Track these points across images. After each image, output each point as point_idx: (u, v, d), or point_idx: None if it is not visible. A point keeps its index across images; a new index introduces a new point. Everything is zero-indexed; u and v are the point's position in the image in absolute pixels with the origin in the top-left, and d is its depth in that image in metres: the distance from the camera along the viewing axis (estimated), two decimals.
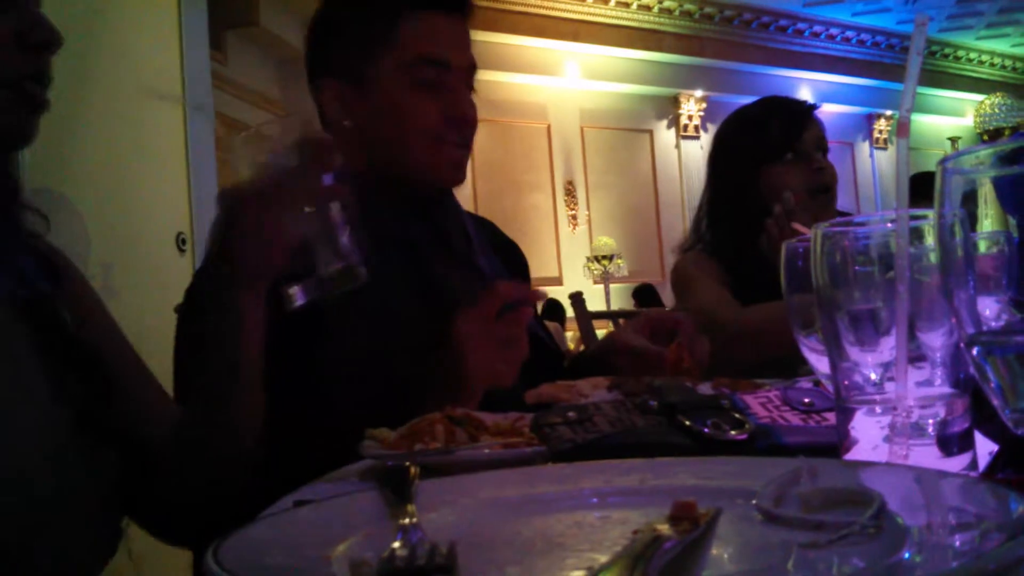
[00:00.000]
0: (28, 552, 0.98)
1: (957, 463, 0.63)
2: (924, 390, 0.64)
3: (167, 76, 3.34)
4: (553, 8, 9.24)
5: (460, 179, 1.56)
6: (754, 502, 0.57)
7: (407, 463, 0.61)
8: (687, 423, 0.84)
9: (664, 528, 0.52)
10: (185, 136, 3.40)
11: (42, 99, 1.05)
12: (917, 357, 0.65)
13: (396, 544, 0.51)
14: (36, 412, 1.02)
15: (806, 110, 2.29)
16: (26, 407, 1.02)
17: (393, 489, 0.58)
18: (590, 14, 9.53)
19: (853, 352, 0.68)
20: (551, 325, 5.72)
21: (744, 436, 0.83)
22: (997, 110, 12.16)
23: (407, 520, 0.55)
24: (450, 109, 1.49)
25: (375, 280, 1.38)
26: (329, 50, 1.57)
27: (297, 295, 1.03)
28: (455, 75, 1.50)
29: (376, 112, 1.51)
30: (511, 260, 1.75)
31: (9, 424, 0.99)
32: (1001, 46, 12.37)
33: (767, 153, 2.23)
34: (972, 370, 0.54)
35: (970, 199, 0.53)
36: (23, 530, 0.97)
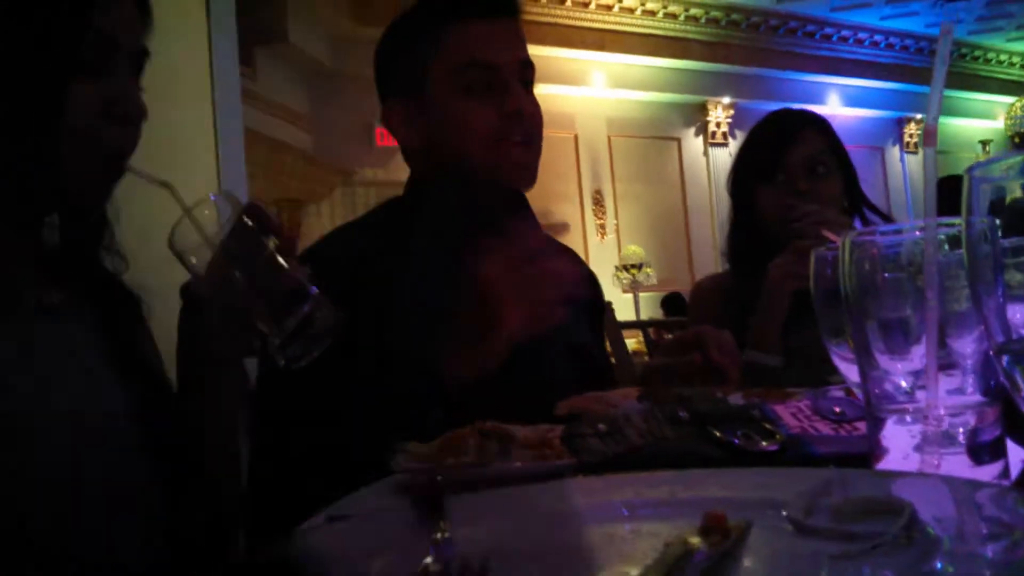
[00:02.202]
0: (77, 560, 1.00)
1: (988, 472, 0.62)
2: (955, 398, 0.64)
3: (197, 92, 3.38)
4: (580, 19, 9.26)
5: (529, 180, 1.56)
6: (785, 513, 0.57)
7: (439, 477, 0.62)
8: (717, 434, 0.84)
9: (695, 540, 0.52)
10: (216, 154, 3.43)
11: (123, 167, 1.08)
12: (947, 365, 0.64)
13: (429, 559, 0.51)
14: (107, 423, 1.06)
15: (795, 126, 2.12)
16: (97, 416, 1.06)
17: (426, 504, 0.59)
18: (617, 23, 9.53)
19: (883, 360, 0.68)
20: None
21: (775, 447, 0.83)
22: None
23: (440, 535, 0.55)
24: (505, 106, 1.49)
25: (444, 288, 1.40)
26: (387, 72, 1.60)
27: (282, 361, 1.04)
28: (506, 74, 1.50)
29: (437, 125, 1.52)
30: (585, 288, 1.75)
31: (80, 429, 1.03)
32: None
33: (758, 173, 2.11)
34: (1002, 378, 0.54)
35: (998, 206, 0.53)
36: (75, 535, 1.00)
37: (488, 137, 1.49)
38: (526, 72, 1.55)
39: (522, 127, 1.51)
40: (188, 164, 3.27)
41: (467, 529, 0.60)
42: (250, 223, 1.04)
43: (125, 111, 1.05)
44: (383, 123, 1.60)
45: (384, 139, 7.59)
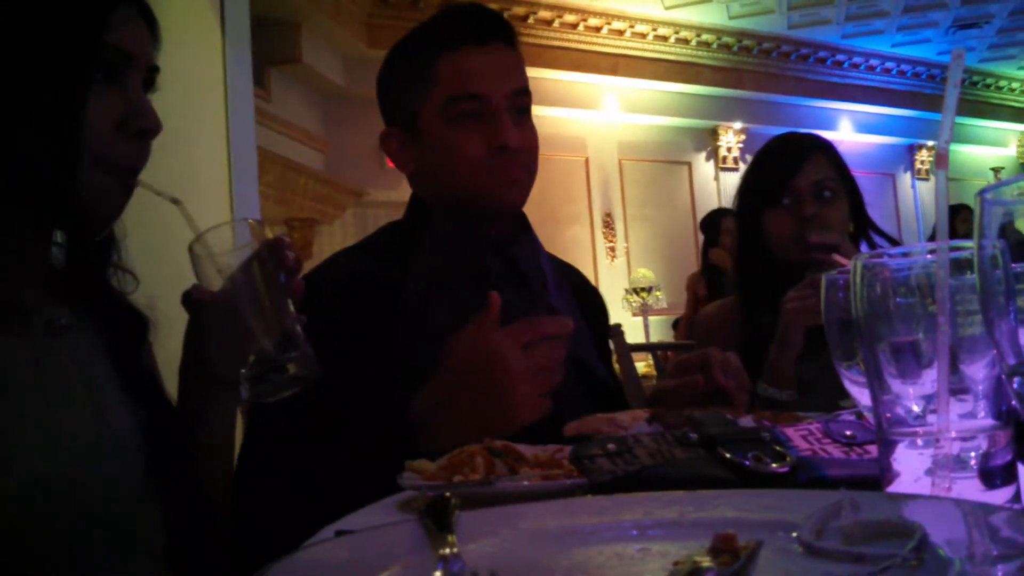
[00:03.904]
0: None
1: (1000, 496, 0.62)
2: (966, 423, 0.64)
3: (211, 111, 3.40)
4: (592, 43, 9.30)
5: (519, 200, 1.57)
6: (795, 535, 0.57)
7: (447, 494, 0.62)
8: (727, 456, 0.84)
9: (704, 560, 0.52)
10: (229, 173, 3.45)
11: (135, 183, 1.09)
12: (959, 389, 0.64)
13: (437, 574, 0.51)
14: (115, 441, 1.07)
15: (801, 151, 2.10)
16: (106, 434, 1.07)
17: (434, 520, 0.59)
18: (628, 48, 9.57)
19: (895, 384, 0.68)
20: None
21: (785, 469, 0.82)
22: None
23: (448, 551, 0.55)
24: (492, 139, 1.50)
25: (445, 311, 1.39)
26: (386, 99, 1.62)
27: (247, 393, 1.05)
28: (496, 105, 1.51)
29: (428, 153, 1.54)
30: (589, 306, 1.75)
31: (85, 448, 1.04)
32: None
33: (764, 197, 2.09)
34: (1015, 402, 0.54)
35: (1010, 230, 0.53)
36: (78, 552, 1.00)
37: (476, 166, 1.50)
38: (520, 100, 1.55)
39: (511, 160, 1.51)
40: (201, 183, 3.29)
41: (475, 545, 0.60)
42: (269, 254, 1.05)
43: (139, 126, 1.06)
44: (381, 147, 1.61)
45: None
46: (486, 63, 1.53)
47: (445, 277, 1.46)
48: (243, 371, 1.03)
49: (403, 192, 1.66)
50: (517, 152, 1.52)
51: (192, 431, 1.15)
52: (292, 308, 1.06)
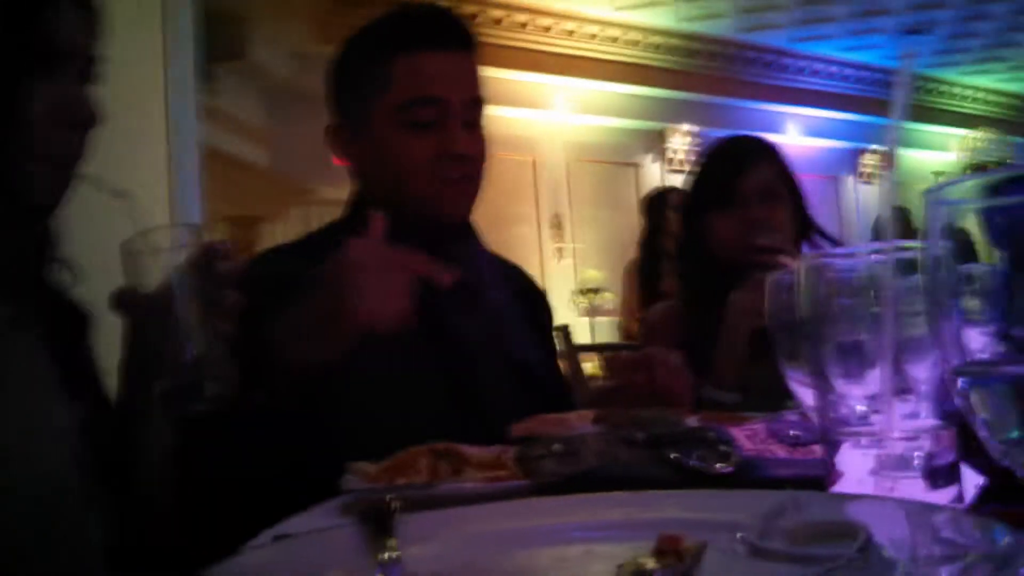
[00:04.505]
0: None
1: (943, 496, 0.62)
2: (910, 423, 0.64)
3: (152, 106, 3.35)
4: (541, 43, 9.31)
5: (463, 212, 1.55)
6: (740, 535, 0.57)
7: (389, 497, 0.60)
8: (673, 456, 0.84)
9: (649, 562, 0.51)
10: (170, 170, 3.40)
11: (75, 174, 1.06)
12: (903, 389, 0.64)
13: None
14: (55, 439, 1.04)
15: (747, 154, 2.10)
16: (46, 432, 1.04)
17: (374, 524, 0.57)
18: (578, 48, 9.59)
19: (839, 384, 0.68)
20: None
21: (730, 469, 0.82)
22: (982, 144, 12.26)
23: (387, 555, 0.54)
24: (443, 147, 1.47)
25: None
26: (335, 93, 1.59)
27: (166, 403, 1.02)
28: (451, 110, 1.48)
29: (374, 153, 1.52)
30: (535, 307, 1.74)
31: (31, 449, 1.01)
32: (987, 82, 12.51)
33: (710, 199, 2.09)
34: (958, 402, 0.54)
35: (956, 230, 0.53)
36: (18, 550, 0.98)
37: (423, 172, 1.47)
38: (472, 110, 1.53)
39: (459, 167, 1.49)
40: (141, 180, 3.23)
41: (416, 549, 0.59)
42: (205, 261, 1.01)
43: (75, 116, 1.03)
44: (326, 140, 1.58)
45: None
46: (444, 68, 1.50)
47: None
48: (159, 380, 1.00)
49: (348, 190, 1.64)
50: (466, 161, 1.50)
51: (132, 431, 1.13)
52: (224, 322, 1.02)
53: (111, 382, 1.18)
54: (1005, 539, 0.44)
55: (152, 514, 1.14)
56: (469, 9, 8.41)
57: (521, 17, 9.02)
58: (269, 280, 1.39)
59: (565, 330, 4.35)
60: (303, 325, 1.18)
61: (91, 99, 1.07)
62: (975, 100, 12.83)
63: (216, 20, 6.07)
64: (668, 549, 0.52)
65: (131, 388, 1.12)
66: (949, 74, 11.96)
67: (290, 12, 7.24)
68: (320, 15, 7.62)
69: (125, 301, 1.04)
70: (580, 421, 1.16)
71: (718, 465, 0.82)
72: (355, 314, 1.14)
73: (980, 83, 12.53)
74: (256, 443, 1.19)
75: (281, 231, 7.42)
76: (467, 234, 1.60)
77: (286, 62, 7.57)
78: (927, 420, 0.64)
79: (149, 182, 3.26)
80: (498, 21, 8.82)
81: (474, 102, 1.53)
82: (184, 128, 3.55)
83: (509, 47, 8.91)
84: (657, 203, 5.43)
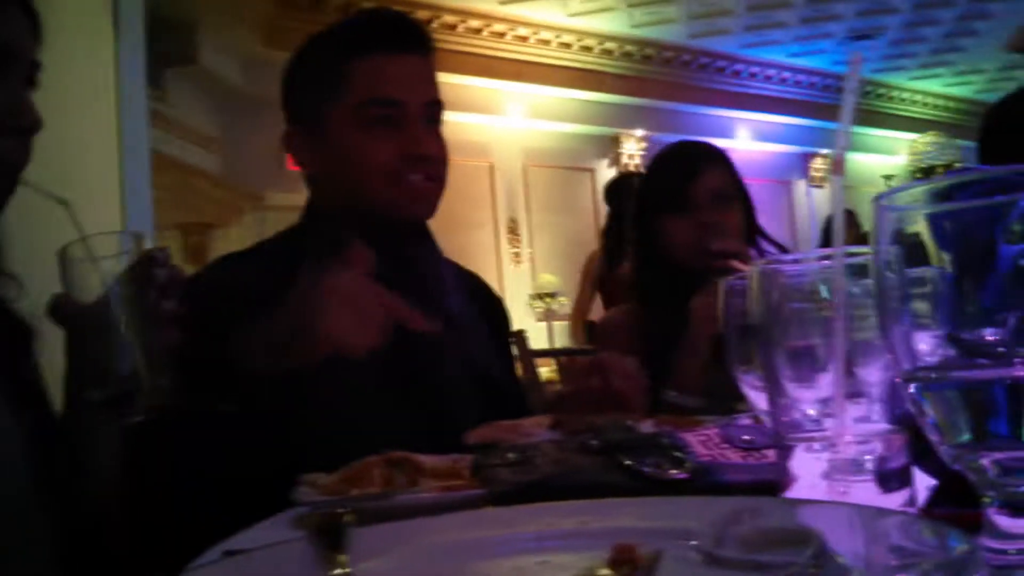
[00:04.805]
0: None
1: (896, 499, 0.62)
2: (862, 426, 0.64)
3: (102, 112, 3.29)
4: (496, 48, 9.32)
5: (427, 212, 1.55)
6: (694, 543, 0.56)
7: (341, 509, 0.59)
8: (628, 463, 0.84)
9: (604, 572, 0.51)
10: (121, 176, 3.34)
11: (15, 181, 1.03)
12: (854, 393, 0.65)
13: None
14: (6, 457, 1.03)
15: (698, 159, 2.13)
16: None
17: (325, 538, 0.56)
18: (532, 55, 9.62)
19: (791, 389, 0.68)
20: None
21: (685, 475, 0.82)
22: (930, 148, 12.45)
23: (339, 571, 0.53)
24: (406, 147, 1.47)
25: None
26: (292, 98, 1.58)
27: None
28: (411, 112, 1.48)
29: (335, 156, 1.50)
30: (491, 313, 1.74)
31: None
32: (934, 86, 12.73)
33: (662, 204, 2.11)
34: (909, 406, 0.54)
35: (905, 235, 0.53)
36: None
37: (385, 173, 1.47)
38: (433, 111, 1.53)
39: (424, 168, 1.49)
40: (91, 186, 3.17)
41: (370, 563, 0.58)
42: (143, 269, 0.99)
43: (19, 122, 1.01)
44: (283, 146, 1.57)
45: (294, 164, 7.49)
46: (403, 70, 1.50)
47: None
48: (94, 391, 0.97)
49: (302, 196, 1.62)
50: (429, 162, 1.50)
51: (77, 442, 1.10)
52: (163, 331, 1.00)
53: (57, 393, 1.15)
54: (959, 547, 0.44)
55: (102, 525, 1.12)
56: (423, 15, 8.39)
57: (475, 23, 9.02)
58: (222, 287, 1.37)
59: (520, 335, 4.34)
60: (271, 336, 1.17)
61: (34, 104, 1.04)
62: (923, 105, 13.05)
63: (166, 25, 6.00)
64: (623, 559, 0.51)
65: (72, 399, 1.10)
66: (897, 79, 12.16)
67: (240, 17, 7.17)
68: (270, 20, 7.56)
69: (61, 309, 1.01)
70: (536, 427, 1.15)
71: (672, 471, 0.82)
72: (323, 339, 1.14)
73: (927, 88, 12.75)
74: (203, 450, 1.17)
75: (235, 237, 7.35)
76: (425, 238, 1.60)
77: (237, 68, 7.50)
78: (879, 424, 0.64)
79: (99, 189, 3.21)
80: (452, 27, 8.82)
81: (433, 104, 1.53)
82: (134, 134, 3.50)
83: (463, 53, 8.91)
84: (620, 189, 5.37)
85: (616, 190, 5.44)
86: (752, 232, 2.16)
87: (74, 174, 3.18)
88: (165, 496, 1.18)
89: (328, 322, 1.14)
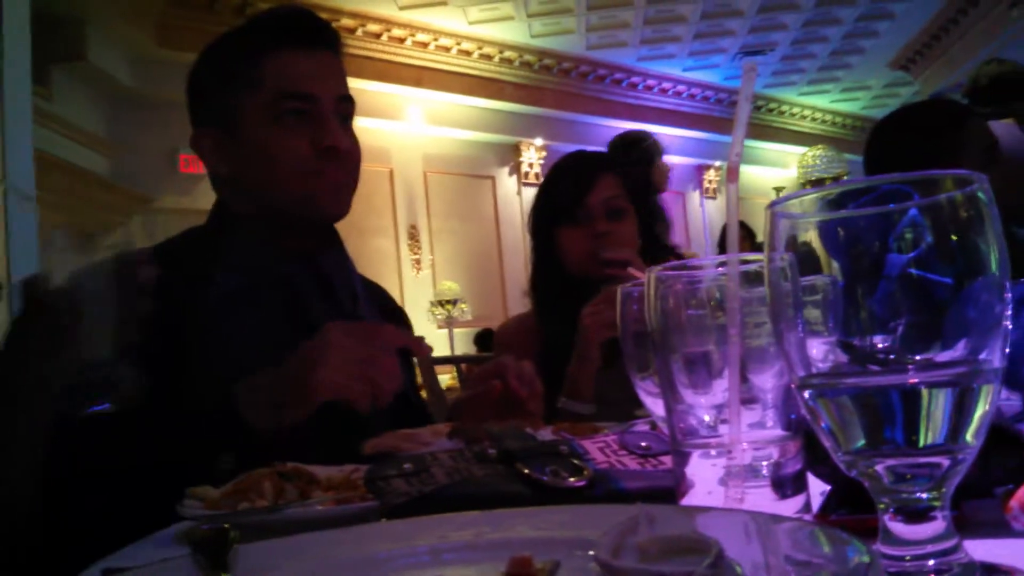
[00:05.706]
0: None
1: (791, 505, 0.63)
2: (757, 433, 0.64)
3: None
4: (396, 54, 9.27)
5: (342, 209, 1.54)
6: (592, 553, 0.55)
7: (225, 524, 0.57)
8: (525, 471, 0.83)
9: None
10: (2, 177, 3.21)
11: None
12: (749, 399, 0.65)
13: None
14: None
15: (593, 169, 2.15)
16: None
17: (207, 555, 0.53)
18: (433, 61, 9.60)
19: (687, 395, 0.68)
20: None
21: (583, 483, 0.82)
22: (818, 161, 12.88)
23: None
24: (320, 140, 1.46)
25: (248, 324, 1.34)
26: (200, 99, 1.55)
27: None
28: (324, 107, 1.48)
29: (248, 154, 1.48)
30: (394, 322, 1.73)
31: None
32: (822, 101, 13.19)
33: (557, 214, 2.12)
34: (804, 412, 0.54)
35: (797, 243, 0.54)
36: None
37: (300, 169, 1.46)
38: (345, 107, 1.53)
39: (338, 163, 1.49)
40: None
41: None
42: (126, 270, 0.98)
43: None
44: (192, 148, 1.54)
45: (188, 165, 7.31)
46: (314, 65, 1.50)
47: (249, 289, 1.40)
48: (59, 379, 0.96)
49: (196, 199, 1.59)
50: (344, 156, 1.49)
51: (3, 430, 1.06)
52: (135, 328, 0.99)
53: None
54: (856, 556, 0.44)
55: (14, 517, 1.07)
56: (322, 17, 8.29)
57: (375, 27, 8.96)
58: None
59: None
60: (271, 393, 1.19)
61: None
62: (812, 119, 13.50)
63: (54, 20, 5.79)
64: (519, 572, 0.50)
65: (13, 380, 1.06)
66: (787, 94, 12.56)
67: (131, 14, 6.96)
68: (163, 19, 7.36)
69: (38, 290, 0.99)
70: (434, 436, 1.14)
71: (571, 479, 0.82)
72: (328, 389, 1.17)
73: (816, 103, 13.20)
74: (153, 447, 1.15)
75: (122, 240, 7.13)
76: (336, 245, 1.59)
77: (127, 66, 7.28)
78: (774, 430, 0.65)
79: None
80: (351, 31, 8.74)
81: (345, 100, 1.53)
82: (18, 132, 3.37)
83: (363, 57, 8.84)
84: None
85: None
86: (649, 242, 2.19)
87: None
88: (90, 489, 1.14)
89: (331, 374, 1.18)
